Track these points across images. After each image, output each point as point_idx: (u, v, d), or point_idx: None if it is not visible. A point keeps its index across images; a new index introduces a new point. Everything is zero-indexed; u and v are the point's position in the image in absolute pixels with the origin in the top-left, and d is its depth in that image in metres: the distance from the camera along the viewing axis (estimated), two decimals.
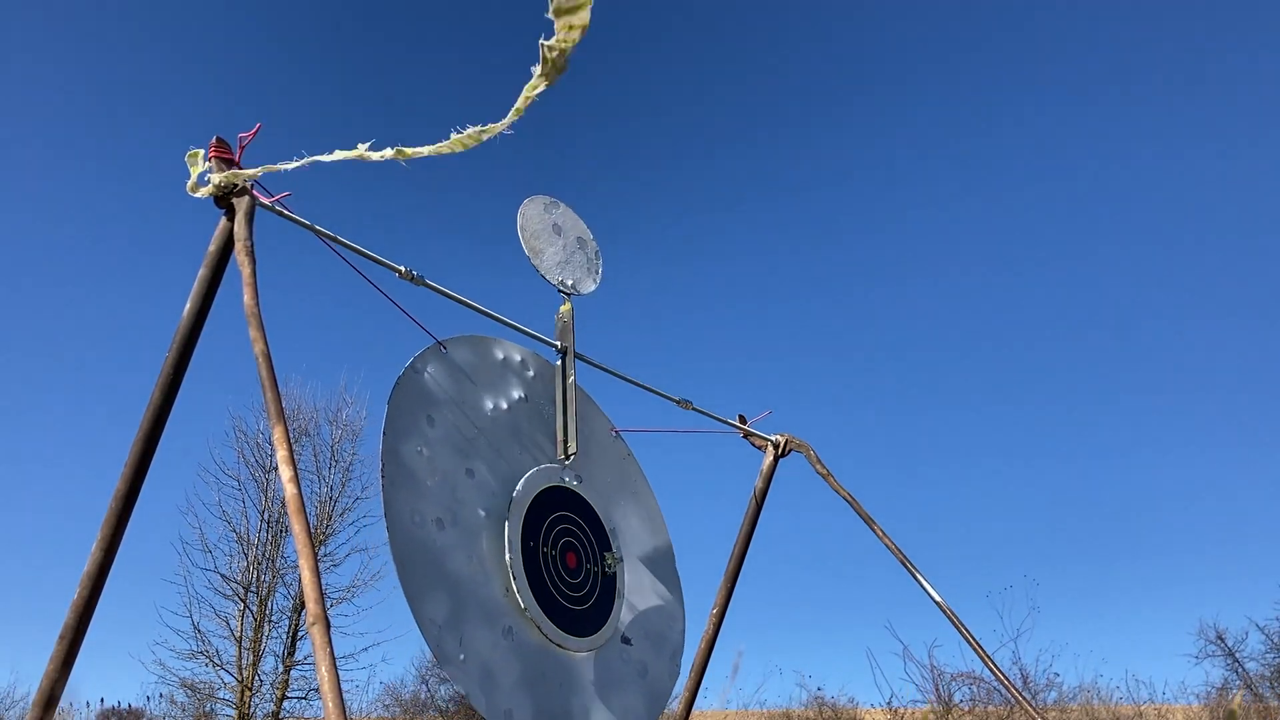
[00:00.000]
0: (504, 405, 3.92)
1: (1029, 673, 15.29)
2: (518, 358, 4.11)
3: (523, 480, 3.80)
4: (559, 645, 3.65)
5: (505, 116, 3.05)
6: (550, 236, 4.41)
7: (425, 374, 3.60)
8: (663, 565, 4.50)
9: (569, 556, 3.89)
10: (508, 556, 3.56)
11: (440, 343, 3.74)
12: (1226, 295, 30.90)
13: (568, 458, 4.04)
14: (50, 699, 2.91)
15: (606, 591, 4.04)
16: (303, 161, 3.27)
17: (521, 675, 3.43)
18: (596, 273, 4.59)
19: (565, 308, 4.33)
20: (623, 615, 4.09)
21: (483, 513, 3.57)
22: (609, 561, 4.08)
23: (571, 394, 4.14)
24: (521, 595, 3.54)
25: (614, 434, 4.57)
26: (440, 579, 3.25)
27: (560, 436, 4.08)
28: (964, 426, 32.12)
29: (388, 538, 3.16)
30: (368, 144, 3.20)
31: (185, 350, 3.18)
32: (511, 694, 3.34)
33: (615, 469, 4.47)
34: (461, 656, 3.20)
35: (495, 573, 3.51)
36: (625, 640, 4.05)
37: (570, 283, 4.40)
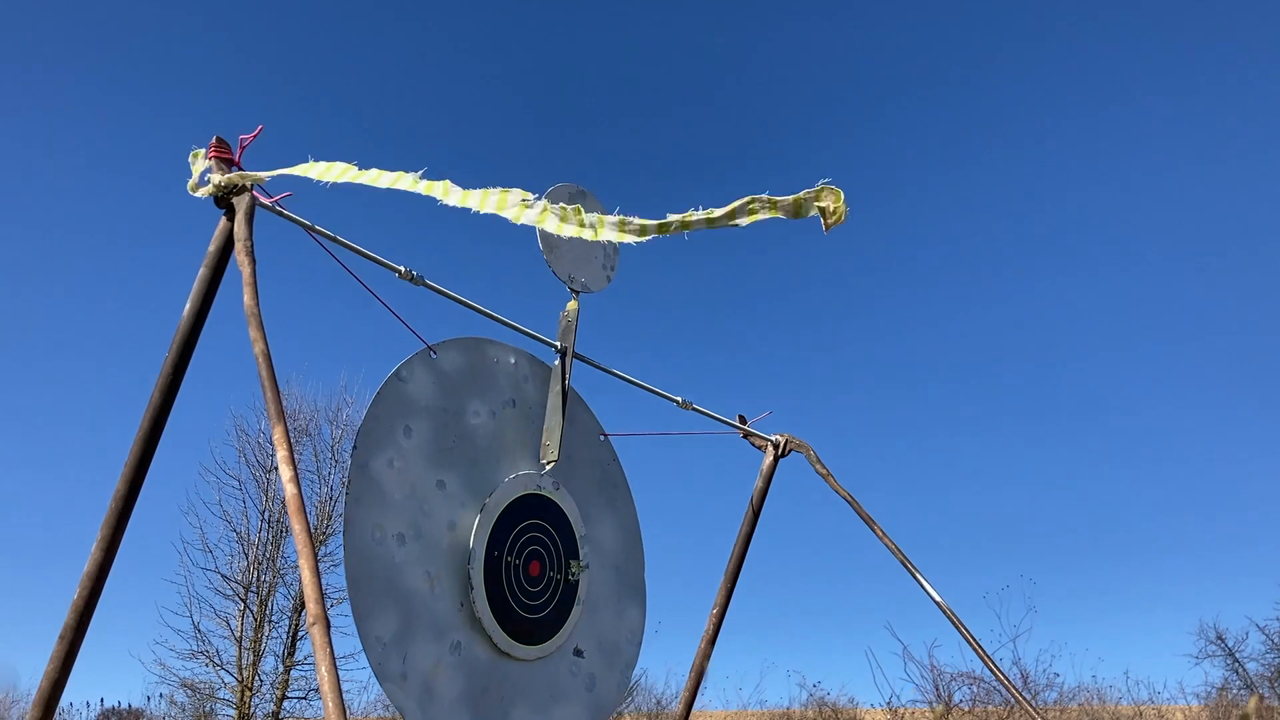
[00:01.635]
0: (490, 411, 3.90)
1: (1029, 673, 15.29)
2: (511, 360, 4.07)
3: (496, 490, 3.80)
4: (506, 654, 3.70)
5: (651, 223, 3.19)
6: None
7: (409, 383, 3.59)
8: (630, 575, 4.49)
9: (533, 565, 3.91)
10: (469, 568, 3.59)
11: (430, 347, 3.71)
12: (1224, 295, 30.89)
13: (548, 464, 4.01)
14: (50, 699, 2.92)
15: (565, 599, 4.05)
16: (308, 172, 3.26)
17: (464, 690, 3.50)
18: (611, 269, 4.52)
19: (572, 305, 4.27)
20: (580, 624, 4.12)
21: (448, 525, 3.59)
22: (574, 569, 4.07)
23: (565, 397, 4.10)
24: (478, 605, 3.59)
25: (603, 438, 4.53)
26: (393, 596, 3.31)
27: (545, 441, 4.05)
28: (964, 426, 32.11)
29: (343, 555, 3.22)
30: (413, 174, 3.21)
31: (185, 350, 3.19)
32: (451, 709, 3.41)
33: (598, 474, 4.45)
34: (403, 674, 3.27)
35: (453, 585, 3.54)
36: (578, 652, 4.08)
37: (582, 279, 4.33)
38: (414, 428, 3.54)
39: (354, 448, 3.33)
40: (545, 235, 4.20)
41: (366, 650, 3.17)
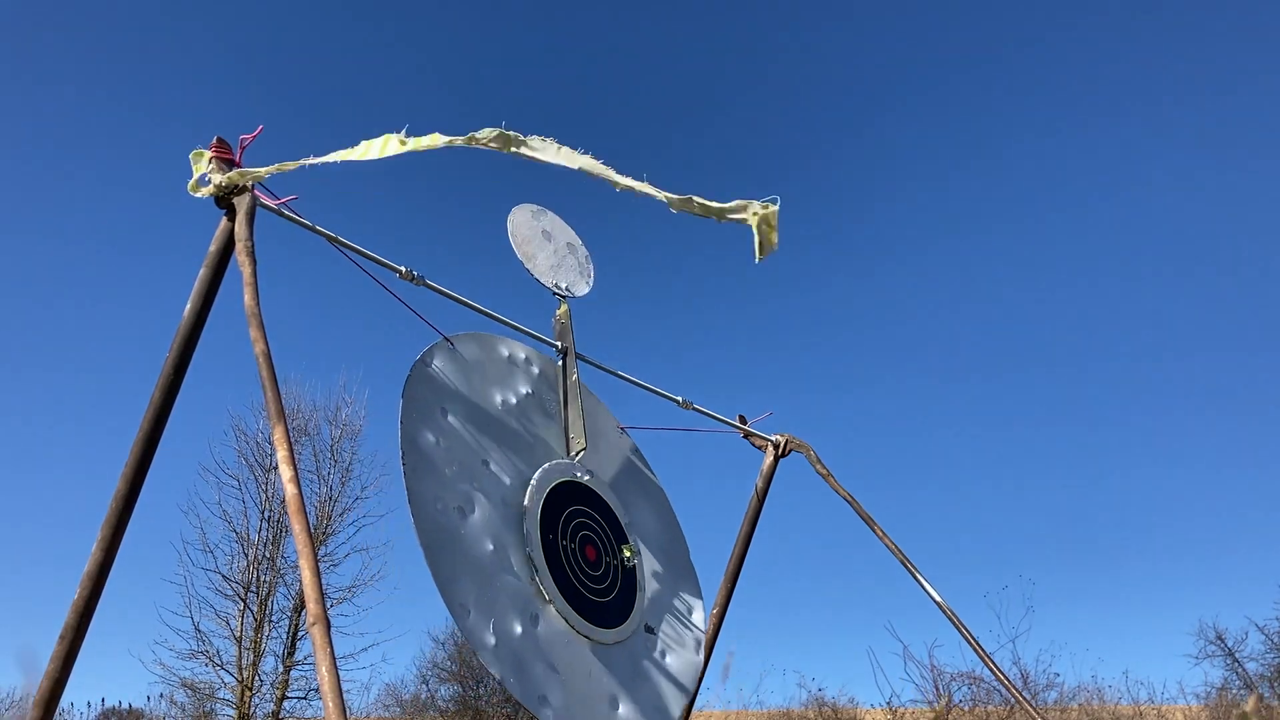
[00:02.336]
0: (512, 400, 3.92)
1: (1029, 673, 15.29)
2: (522, 355, 4.12)
3: (537, 474, 3.78)
4: (586, 636, 3.62)
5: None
6: (541, 242, 4.45)
7: (434, 367, 3.60)
8: (678, 557, 4.49)
9: (588, 550, 3.87)
10: (528, 548, 3.54)
11: (447, 338, 3.74)
12: (1223, 298, 30.91)
13: (576, 454, 4.04)
14: (50, 699, 2.91)
15: (628, 584, 4.02)
16: (312, 161, 3.26)
17: (552, 662, 3.41)
18: (588, 276, 4.63)
19: (562, 309, 4.36)
20: (647, 606, 4.09)
21: (501, 503, 3.55)
22: (627, 555, 4.05)
23: (575, 392, 4.15)
24: (545, 586, 3.52)
25: (621, 431, 4.57)
26: (467, 565, 3.22)
27: (569, 434, 4.08)
28: (964, 427, 32.14)
29: (413, 523, 3.13)
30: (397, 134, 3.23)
31: (186, 350, 3.18)
32: (545, 680, 3.32)
33: (623, 464, 4.46)
34: (493, 642, 3.18)
35: (519, 563, 3.49)
36: (649, 629, 4.02)
37: (565, 285, 4.43)
38: (449, 409, 3.53)
39: (401, 423, 3.29)
40: (522, 246, 4.31)
41: (455, 617, 3.09)
